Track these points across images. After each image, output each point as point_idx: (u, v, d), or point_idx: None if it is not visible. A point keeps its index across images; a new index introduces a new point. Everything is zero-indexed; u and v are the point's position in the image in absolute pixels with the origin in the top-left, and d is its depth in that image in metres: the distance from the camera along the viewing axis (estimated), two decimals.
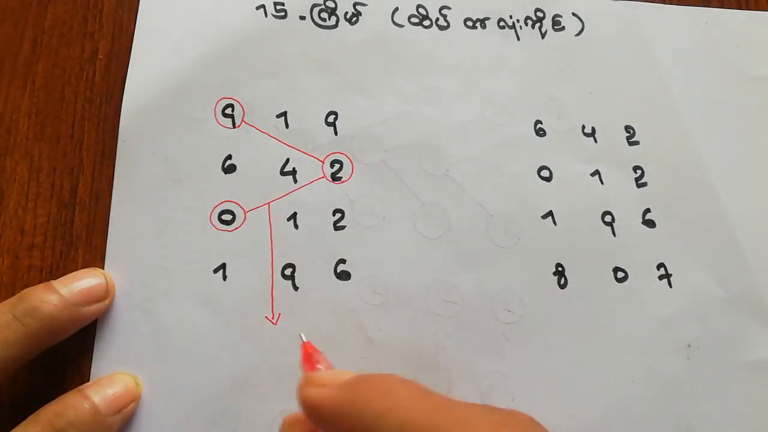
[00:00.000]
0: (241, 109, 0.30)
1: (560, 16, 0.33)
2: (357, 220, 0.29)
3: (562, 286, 0.29)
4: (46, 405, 0.23)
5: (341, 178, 0.29)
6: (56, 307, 0.23)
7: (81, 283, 0.25)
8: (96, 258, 0.27)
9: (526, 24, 0.33)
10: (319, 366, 0.22)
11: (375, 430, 0.16)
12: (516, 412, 0.19)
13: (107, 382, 0.25)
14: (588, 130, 0.31)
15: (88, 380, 0.26)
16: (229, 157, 0.29)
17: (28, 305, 0.23)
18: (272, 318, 0.27)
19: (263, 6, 0.31)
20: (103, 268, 0.27)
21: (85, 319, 0.25)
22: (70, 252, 0.27)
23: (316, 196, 0.29)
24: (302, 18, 0.31)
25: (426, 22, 0.32)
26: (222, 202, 0.28)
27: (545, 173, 0.30)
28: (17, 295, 0.24)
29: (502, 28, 0.33)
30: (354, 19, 0.32)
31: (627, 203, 0.30)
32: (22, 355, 0.23)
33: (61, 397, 0.23)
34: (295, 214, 0.28)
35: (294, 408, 0.26)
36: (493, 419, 0.18)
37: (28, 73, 0.29)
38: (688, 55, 0.33)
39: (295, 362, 0.27)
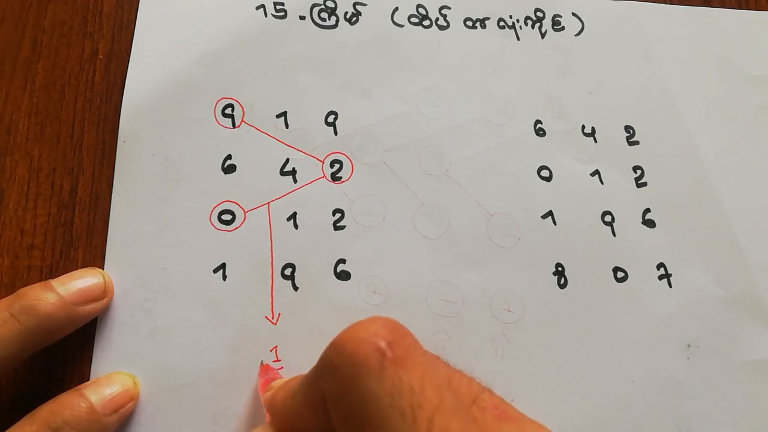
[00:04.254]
0: (241, 109, 0.30)
1: (560, 16, 0.33)
2: (357, 220, 0.29)
3: (562, 286, 0.29)
4: (44, 404, 0.23)
5: (341, 178, 0.29)
6: (53, 306, 0.23)
7: (79, 282, 0.25)
8: (96, 258, 0.27)
9: (526, 24, 0.33)
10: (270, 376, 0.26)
11: (281, 412, 0.21)
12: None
13: (105, 382, 0.25)
14: (588, 130, 0.31)
15: (87, 380, 0.25)
16: (229, 157, 0.29)
17: (25, 303, 0.23)
18: (272, 318, 0.27)
19: (263, 6, 0.31)
20: (102, 268, 0.27)
21: (82, 318, 0.25)
22: (70, 252, 0.27)
23: (316, 196, 0.29)
24: (302, 18, 0.31)
25: (426, 22, 0.32)
26: (222, 202, 0.28)
27: (545, 173, 0.30)
28: (15, 294, 0.23)
29: (502, 28, 0.33)
30: (354, 19, 0.32)
31: (627, 203, 0.30)
32: (19, 353, 0.23)
33: (58, 396, 0.23)
34: (295, 214, 0.28)
35: None
36: None
37: (28, 73, 0.29)
38: (688, 55, 0.33)
39: (296, 362, 0.27)
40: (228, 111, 0.30)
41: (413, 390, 0.16)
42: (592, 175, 0.31)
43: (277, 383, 0.24)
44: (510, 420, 0.17)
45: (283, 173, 0.29)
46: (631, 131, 0.32)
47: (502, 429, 0.16)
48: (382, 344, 0.16)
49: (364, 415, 0.16)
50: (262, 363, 0.26)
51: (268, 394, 0.23)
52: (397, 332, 0.17)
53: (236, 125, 0.29)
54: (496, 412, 0.17)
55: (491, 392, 0.18)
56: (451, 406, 0.15)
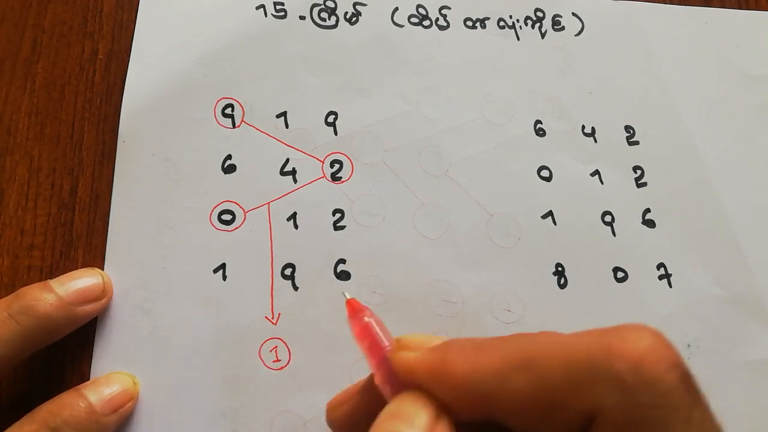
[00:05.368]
0: (241, 109, 0.30)
1: (560, 16, 0.33)
2: (357, 220, 0.29)
3: (562, 286, 0.29)
4: (43, 404, 0.23)
5: (341, 178, 0.29)
6: (52, 306, 0.23)
7: (78, 282, 0.25)
8: (96, 258, 0.27)
9: (526, 24, 0.33)
10: (366, 319, 0.20)
11: (463, 388, 0.17)
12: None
13: (104, 382, 0.25)
14: (588, 130, 0.31)
15: (87, 380, 0.25)
16: (229, 157, 0.29)
17: (24, 303, 0.23)
18: (272, 318, 0.27)
19: (263, 6, 0.31)
20: (102, 268, 0.27)
21: (81, 318, 0.25)
22: (70, 252, 0.27)
23: (316, 196, 0.29)
24: (302, 18, 0.31)
25: (426, 22, 0.32)
26: (222, 202, 0.28)
27: (545, 173, 0.30)
28: (13, 294, 0.23)
29: (502, 28, 0.33)
30: (354, 19, 0.32)
31: (627, 203, 0.30)
32: (18, 353, 0.23)
33: (57, 396, 0.23)
34: (295, 214, 0.28)
35: (293, 408, 0.26)
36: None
37: (28, 73, 0.29)
38: (688, 55, 0.33)
39: (296, 362, 0.27)
40: (228, 111, 0.30)
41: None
42: (592, 175, 0.31)
43: (411, 338, 0.19)
44: None
45: (283, 173, 0.29)
46: (631, 131, 0.32)
47: None
48: (687, 370, 0.15)
49: None
50: (347, 297, 0.21)
51: (412, 355, 0.18)
52: (678, 353, 0.15)
53: (236, 125, 0.29)
54: None
55: None
56: None
